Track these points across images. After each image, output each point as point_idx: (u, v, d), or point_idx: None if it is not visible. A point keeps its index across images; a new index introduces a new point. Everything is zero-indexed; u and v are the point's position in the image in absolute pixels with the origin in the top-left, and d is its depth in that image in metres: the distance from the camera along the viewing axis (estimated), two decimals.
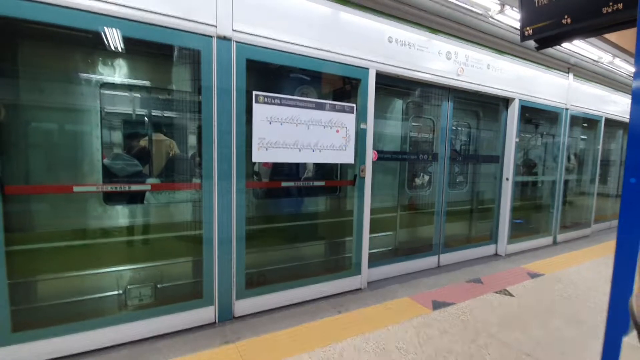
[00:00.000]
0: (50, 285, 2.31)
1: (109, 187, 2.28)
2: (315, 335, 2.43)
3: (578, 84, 5.21)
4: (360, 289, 3.29)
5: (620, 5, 2.05)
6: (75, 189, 2.17)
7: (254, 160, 2.55)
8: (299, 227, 3.31)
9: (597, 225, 6.26)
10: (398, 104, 4.00)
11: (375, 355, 2.21)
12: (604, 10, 2.09)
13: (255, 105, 2.49)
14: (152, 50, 2.53)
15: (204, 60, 2.32)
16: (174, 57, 2.49)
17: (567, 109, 5.07)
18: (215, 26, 2.31)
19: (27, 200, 2.20)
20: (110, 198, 2.47)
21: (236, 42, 2.40)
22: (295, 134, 2.68)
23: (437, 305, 2.96)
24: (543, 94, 4.68)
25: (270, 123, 2.56)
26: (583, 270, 4.01)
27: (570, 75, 5.02)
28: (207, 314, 2.51)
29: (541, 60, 4.58)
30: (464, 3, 3.32)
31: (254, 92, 2.48)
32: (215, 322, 2.56)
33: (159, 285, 2.59)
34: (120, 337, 2.25)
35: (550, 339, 2.49)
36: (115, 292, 2.47)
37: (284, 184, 2.92)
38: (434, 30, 3.47)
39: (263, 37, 2.50)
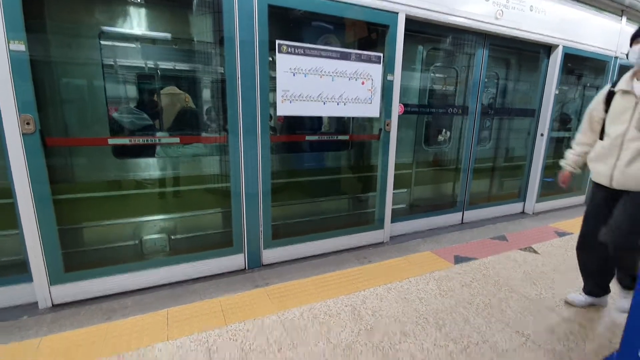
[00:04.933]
0: (95, 232, 2.50)
1: (140, 140, 2.34)
2: (339, 283, 2.55)
3: (631, 29, 4.67)
4: (382, 242, 3.35)
5: None
6: (110, 141, 2.26)
7: (278, 113, 2.53)
8: (320, 182, 3.34)
9: None
10: (426, 53, 3.76)
11: (396, 304, 2.30)
12: None
13: (278, 56, 2.41)
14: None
15: (226, 7, 2.23)
16: (194, 5, 2.41)
17: (616, 57, 4.60)
18: None
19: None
20: (121, 152, 2.50)
21: None
22: (320, 86, 2.61)
23: (459, 259, 3.00)
24: (590, 40, 4.24)
25: (294, 75, 2.49)
26: None
27: (624, 19, 4.49)
28: (237, 261, 2.67)
29: (591, 1, 4.10)
30: None
31: (277, 41, 2.38)
32: (245, 269, 2.72)
33: (192, 234, 2.74)
34: (159, 279, 2.45)
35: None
36: (155, 238, 2.64)
37: (308, 137, 2.90)
38: None
39: None
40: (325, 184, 3.35)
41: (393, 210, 3.34)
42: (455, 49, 3.69)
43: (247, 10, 2.28)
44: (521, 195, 4.48)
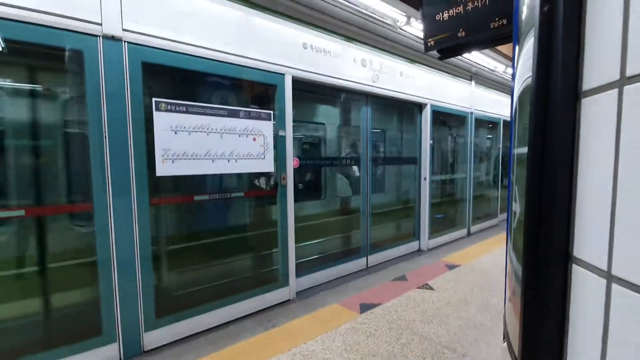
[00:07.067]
0: None
1: None
2: (240, 357, 2.27)
3: (480, 90, 5.83)
4: (289, 300, 3.19)
5: (504, 21, 2.31)
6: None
7: (158, 174, 2.29)
8: (216, 243, 3.09)
9: (503, 215, 7.04)
10: (320, 109, 4.03)
11: None
12: (492, 25, 2.34)
13: (156, 114, 2.25)
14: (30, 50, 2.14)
15: (88, 62, 2.02)
16: (52, 58, 2.14)
17: (471, 113, 5.62)
18: (101, 24, 2.03)
19: None
20: None
21: (128, 42, 2.14)
22: (207, 144, 2.49)
23: (364, 308, 3.00)
24: (451, 99, 5.12)
25: (175, 133, 2.34)
26: (493, 257, 4.44)
27: (473, 83, 5.59)
28: (108, 353, 2.18)
29: (448, 69, 5.01)
30: (374, 14, 3.46)
31: (154, 99, 2.24)
32: None
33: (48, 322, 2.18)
34: None
35: (465, 327, 2.66)
36: None
37: (197, 197, 2.68)
38: (348, 39, 3.56)
39: (163, 38, 2.28)
40: (222, 245, 3.10)
41: (297, 264, 3.25)
42: (345, 107, 4.03)
43: (116, 66, 2.11)
44: (416, 234, 4.88)
